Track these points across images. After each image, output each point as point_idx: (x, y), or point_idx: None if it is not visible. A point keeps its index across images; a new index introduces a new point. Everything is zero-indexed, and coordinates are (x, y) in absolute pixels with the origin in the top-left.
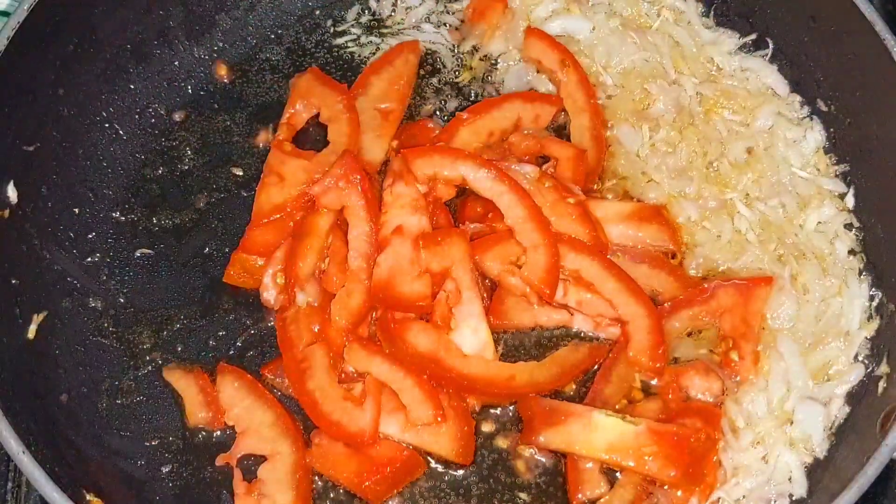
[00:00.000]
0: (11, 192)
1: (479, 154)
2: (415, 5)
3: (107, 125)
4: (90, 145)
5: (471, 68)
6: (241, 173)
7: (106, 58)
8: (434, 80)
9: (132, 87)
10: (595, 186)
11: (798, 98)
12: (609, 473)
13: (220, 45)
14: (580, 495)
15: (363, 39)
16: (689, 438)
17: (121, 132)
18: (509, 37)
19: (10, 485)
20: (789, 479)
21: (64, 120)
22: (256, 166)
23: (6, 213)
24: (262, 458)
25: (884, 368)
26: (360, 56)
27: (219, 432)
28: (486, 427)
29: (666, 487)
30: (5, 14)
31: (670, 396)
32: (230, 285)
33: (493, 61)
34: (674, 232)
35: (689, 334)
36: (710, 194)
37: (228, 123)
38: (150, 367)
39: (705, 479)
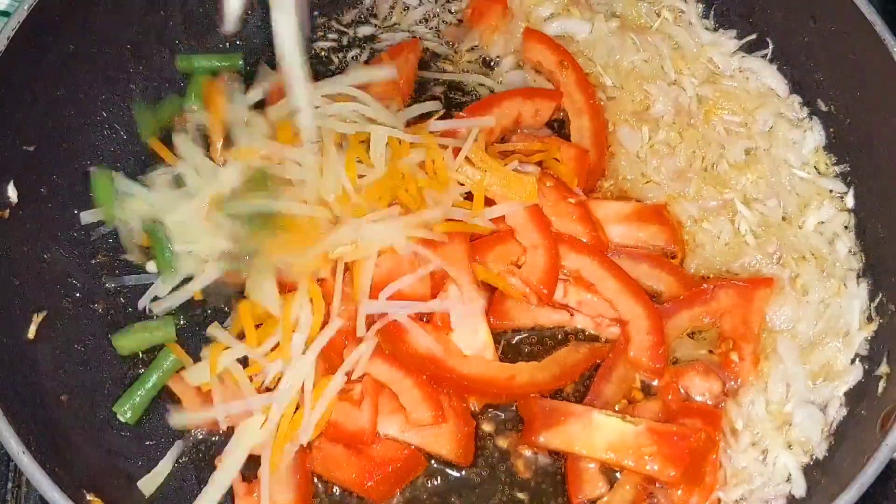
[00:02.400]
0: (11, 192)
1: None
2: (413, 5)
3: (107, 125)
4: (90, 145)
5: (469, 68)
6: None
7: (106, 58)
8: (433, 79)
9: (132, 87)
10: (595, 186)
11: (798, 98)
12: (609, 473)
13: (221, 45)
14: (580, 495)
15: (361, 40)
16: (689, 438)
17: (121, 132)
18: (508, 38)
19: (10, 485)
20: (788, 479)
21: (64, 120)
22: None
23: (6, 213)
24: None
25: (884, 369)
26: (358, 56)
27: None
28: (486, 427)
29: (662, 487)
30: (5, 14)
31: (670, 397)
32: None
33: (491, 62)
34: (674, 232)
35: (690, 335)
36: (709, 195)
37: None
38: None
39: (705, 479)
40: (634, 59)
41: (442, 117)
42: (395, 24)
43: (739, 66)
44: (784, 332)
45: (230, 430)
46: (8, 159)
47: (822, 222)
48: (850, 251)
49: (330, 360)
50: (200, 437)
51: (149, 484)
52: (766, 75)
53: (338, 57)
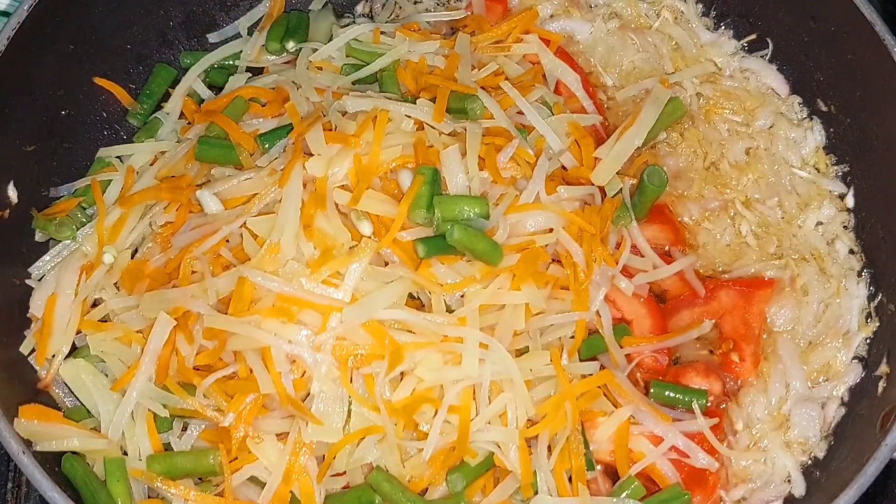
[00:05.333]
0: (11, 192)
1: None
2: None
3: (107, 125)
4: (90, 145)
5: None
6: None
7: (106, 58)
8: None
9: (132, 86)
10: None
11: (798, 98)
12: (611, 474)
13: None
14: None
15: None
16: (692, 439)
17: (121, 132)
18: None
19: (10, 485)
20: (788, 479)
21: (64, 120)
22: None
23: (6, 213)
24: None
25: (883, 369)
26: None
27: None
28: None
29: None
30: (5, 14)
31: None
32: None
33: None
34: (677, 231)
35: None
36: (710, 195)
37: None
38: None
39: (708, 479)
40: (634, 59)
41: None
42: (401, 18)
43: (739, 66)
44: (784, 333)
45: None
46: (8, 159)
47: (822, 222)
48: (850, 251)
49: None
50: None
51: None
52: (766, 75)
53: None
